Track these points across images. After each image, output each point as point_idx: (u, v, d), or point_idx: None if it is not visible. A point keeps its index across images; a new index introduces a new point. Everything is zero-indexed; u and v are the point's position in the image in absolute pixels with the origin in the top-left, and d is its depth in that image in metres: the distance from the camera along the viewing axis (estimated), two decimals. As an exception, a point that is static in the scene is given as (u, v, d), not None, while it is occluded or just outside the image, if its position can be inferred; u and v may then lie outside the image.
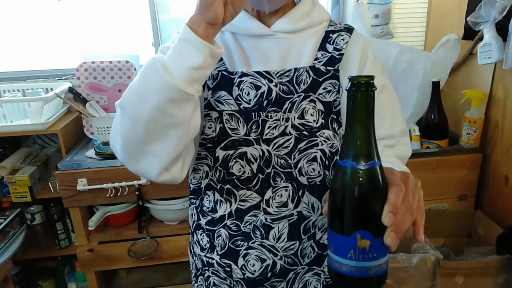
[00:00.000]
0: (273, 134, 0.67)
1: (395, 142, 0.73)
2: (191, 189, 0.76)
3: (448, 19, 1.77)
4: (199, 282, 0.79)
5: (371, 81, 0.47)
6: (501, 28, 1.38)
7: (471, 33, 1.57)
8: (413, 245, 1.41)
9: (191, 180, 0.76)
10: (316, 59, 0.69)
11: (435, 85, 1.61)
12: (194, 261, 0.80)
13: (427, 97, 1.64)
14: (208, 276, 0.76)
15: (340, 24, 0.74)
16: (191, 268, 0.83)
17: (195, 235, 0.78)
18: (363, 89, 0.47)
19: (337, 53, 0.70)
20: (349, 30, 0.73)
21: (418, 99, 1.64)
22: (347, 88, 0.48)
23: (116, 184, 1.47)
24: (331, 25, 0.73)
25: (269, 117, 0.67)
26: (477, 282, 1.39)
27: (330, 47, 0.70)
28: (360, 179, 0.47)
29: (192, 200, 0.77)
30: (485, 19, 1.39)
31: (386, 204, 0.46)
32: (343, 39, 0.70)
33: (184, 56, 0.54)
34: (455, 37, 1.59)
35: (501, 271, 1.37)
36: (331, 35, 0.71)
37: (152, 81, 0.53)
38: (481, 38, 1.46)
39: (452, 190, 1.62)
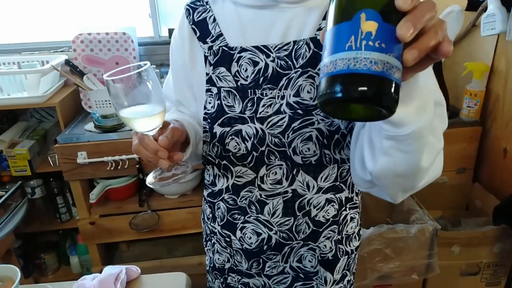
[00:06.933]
0: (267, 112, 0.65)
1: None
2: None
3: (451, -10, 1.74)
4: (208, 246, 0.84)
5: None
6: (505, -2, 1.35)
7: (474, 4, 1.55)
8: (412, 216, 1.44)
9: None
10: (319, 29, 0.62)
11: (437, 57, 1.59)
12: (204, 226, 0.83)
13: (429, 70, 1.62)
14: (214, 243, 0.80)
15: None
16: (203, 233, 0.86)
17: (203, 203, 0.81)
18: None
19: None
20: None
21: (419, 72, 1.63)
22: None
23: (117, 157, 1.47)
24: None
25: (264, 94, 0.65)
26: (473, 251, 1.42)
27: None
28: None
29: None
30: (490, -11, 1.36)
31: None
32: None
33: None
34: (459, 8, 1.56)
35: (497, 240, 1.40)
36: None
37: None
38: (485, 9, 1.44)
39: (451, 163, 1.63)
